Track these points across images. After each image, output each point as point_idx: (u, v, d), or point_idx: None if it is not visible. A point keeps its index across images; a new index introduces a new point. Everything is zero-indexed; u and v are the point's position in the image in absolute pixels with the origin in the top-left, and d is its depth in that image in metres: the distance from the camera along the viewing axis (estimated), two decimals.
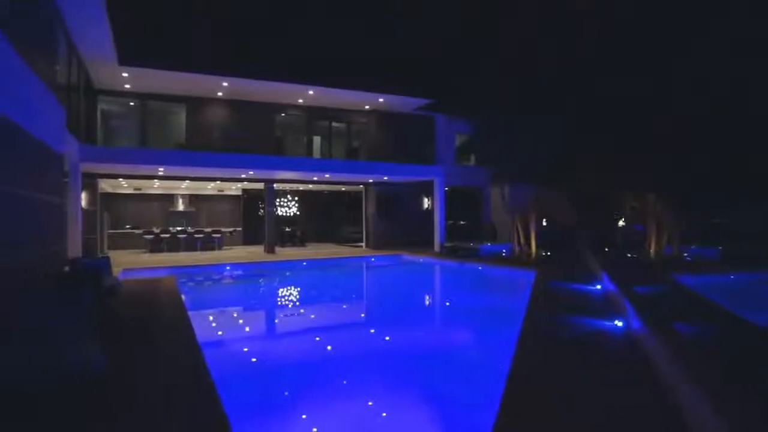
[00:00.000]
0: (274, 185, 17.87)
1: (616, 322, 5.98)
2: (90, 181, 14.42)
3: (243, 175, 16.60)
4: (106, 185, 17.71)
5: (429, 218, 19.31)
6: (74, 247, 12.10)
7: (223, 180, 17.70)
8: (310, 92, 16.36)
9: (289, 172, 16.59)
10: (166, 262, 14.05)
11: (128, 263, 13.51)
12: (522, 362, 4.42)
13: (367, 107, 18.76)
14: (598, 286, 8.92)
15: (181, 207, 21.10)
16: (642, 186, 13.89)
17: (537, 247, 15.02)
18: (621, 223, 17.01)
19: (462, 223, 21.77)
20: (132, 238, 18.94)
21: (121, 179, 16.59)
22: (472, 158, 23.00)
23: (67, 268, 8.23)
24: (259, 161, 15.36)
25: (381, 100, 17.75)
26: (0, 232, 5.31)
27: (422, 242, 19.19)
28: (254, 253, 17.32)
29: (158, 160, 13.92)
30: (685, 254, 14.12)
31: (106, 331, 5.15)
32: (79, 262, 9.06)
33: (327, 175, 17.39)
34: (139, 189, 19.92)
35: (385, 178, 18.13)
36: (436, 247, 18.09)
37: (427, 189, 19.71)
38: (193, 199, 21.42)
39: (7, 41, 5.36)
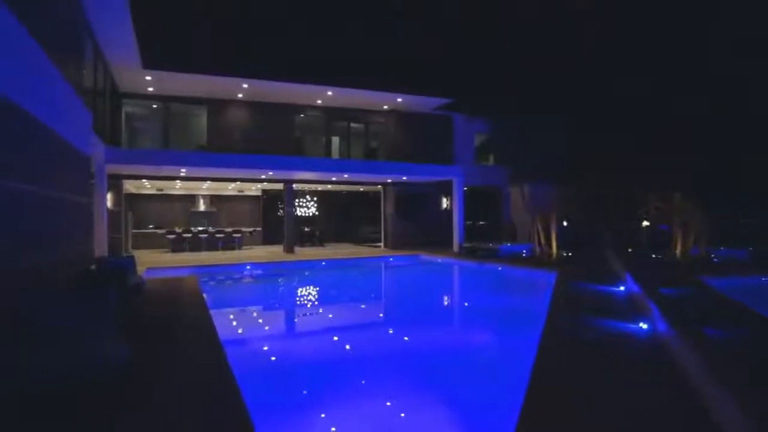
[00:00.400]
0: (294, 186, 18.02)
1: (641, 324, 5.84)
2: (115, 182, 14.78)
3: (263, 176, 16.79)
4: (130, 186, 18.12)
5: (448, 218, 19.23)
6: (100, 247, 12.40)
7: (243, 180, 17.93)
8: (329, 93, 16.46)
9: (308, 173, 16.72)
10: (188, 261, 14.31)
11: (151, 262, 13.80)
12: (544, 364, 4.36)
13: (385, 107, 18.78)
14: (622, 288, 8.73)
15: (202, 207, 21.46)
16: (667, 185, 13.55)
17: (558, 247, 14.79)
18: (645, 223, 16.63)
19: (481, 223, 21.60)
20: (155, 238, 19.34)
21: (144, 180, 16.95)
22: (491, 158, 22.81)
23: (93, 267, 8.45)
24: (278, 162, 15.53)
25: (399, 100, 17.74)
26: (30, 232, 5.49)
27: (441, 242, 19.12)
28: (274, 252, 17.49)
29: (180, 161, 14.18)
30: (713, 255, 13.72)
31: (131, 328, 5.27)
32: (105, 261, 9.29)
33: (346, 176, 17.46)
34: (162, 190, 20.32)
35: (404, 178, 18.11)
36: (455, 248, 17.98)
37: (446, 189, 19.62)
38: (214, 199, 21.77)
39: (39, 47, 5.53)
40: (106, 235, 12.69)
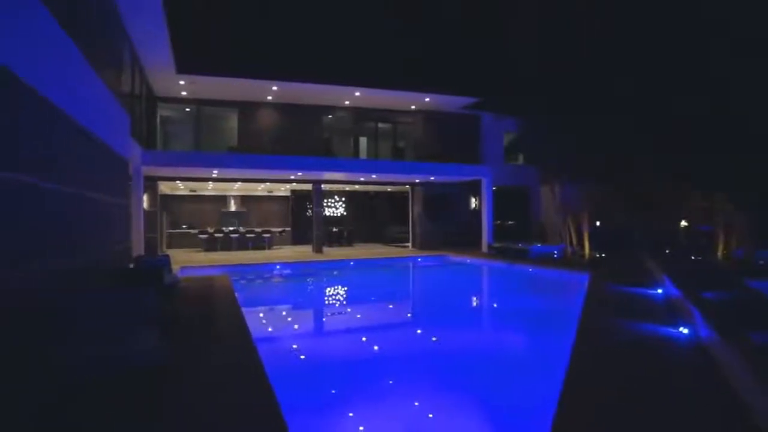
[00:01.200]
0: (322, 186, 18.19)
1: (681, 329, 5.61)
2: (151, 184, 15.25)
3: (292, 177, 16.99)
4: (164, 187, 18.65)
5: (476, 218, 19.00)
6: (137, 246, 12.83)
7: (272, 181, 18.20)
8: (357, 93, 16.53)
9: (337, 173, 16.83)
10: (219, 260, 14.65)
11: (185, 261, 14.19)
12: (578, 368, 4.24)
13: (413, 107, 18.72)
14: (659, 291, 8.42)
15: (233, 208, 21.89)
16: (708, 183, 12.99)
17: (590, 248, 14.41)
18: (684, 223, 16.00)
19: (510, 223, 21.28)
20: (188, 238, 19.86)
21: (178, 182, 17.41)
22: (521, 157, 22.43)
23: (132, 266, 8.75)
24: (307, 162, 15.69)
25: (427, 99, 17.66)
26: (80, 233, 5.75)
27: (469, 243, 18.91)
28: (303, 252, 17.70)
29: (212, 162, 14.51)
30: (758, 258, 13.07)
31: (168, 325, 5.42)
32: (142, 259, 9.62)
33: (373, 176, 17.45)
34: (195, 191, 20.85)
35: (432, 178, 18.01)
36: (484, 248, 17.76)
37: (474, 189, 19.39)
38: (244, 200, 22.18)
39: (81, 55, 5.76)
40: (143, 234, 13.12)
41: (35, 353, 3.56)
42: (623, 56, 16.02)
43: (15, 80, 3.78)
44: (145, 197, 15.26)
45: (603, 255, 14.67)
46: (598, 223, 18.60)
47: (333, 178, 17.83)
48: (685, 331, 5.53)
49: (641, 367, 4.41)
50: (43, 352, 3.43)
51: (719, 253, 12.61)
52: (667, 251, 14.81)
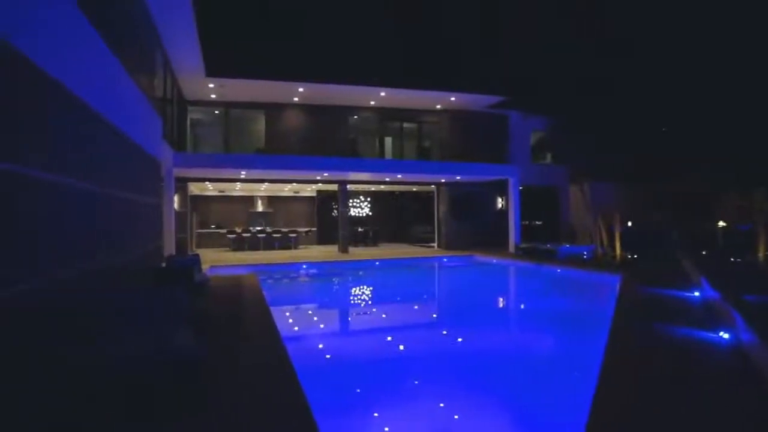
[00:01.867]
0: (348, 186, 18.29)
1: (722, 333, 5.39)
2: (181, 185, 15.64)
3: (318, 177, 17.11)
4: (194, 188, 19.11)
5: (503, 218, 18.74)
6: (168, 245, 13.17)
7: (299, 182, 18.36)
8: (382, 94, 16.55)
9: (362, 173, 16.83)
10: (247, 260, 14.90)
11: (214, 261, 14.49)
12: (611, 372, 4.12)
13: (438, 106, 18.62)
14: (696, 293, 8.11)
15: (260, 208, 22.25)
16: (748, 181, 12.46)
17: (622, 249, 14.01)
18: (721, 223, 15.38)
19: (537, 223, 20.93)
20: (216, 238, 20.29)
21: (207, 183, 17.76)
22: (548, 156, 22.03)
23: (163, 265, 8.99)
24: (333, 163, 15.78)
25: (453, 99, 17.52)
26: (120, 232, 5.98)
27: (496, 243, 18.66)
28: (328, 252, 17.84)
29: (241, 164, 14.76)
30: None
31: (200, 323, 5.54)
32: (173, 259, 9.86)
33: (399, 176, 17.44)
34: (223, 191, 21.29)
35: (458, 177, 17.86)
36: (511, 248, 17.51)
37: (501, 188, 19.13)
38: (271, 200, 22.51)
39: (119, 63, 5.96)
40: (174, 234, 13.46)
41: (80, 350, 3.71)
42: (655, 54, 15.56)
43: (67, 95, 4.03)
44: (175, 198, 15.67)
45: (635, 256, 14.25)
46: (630, 224, 18.09)
47: (358, 178, 17.90)
48: (726, 335, 5.30)
49: (678, 371, 4.25)
50: (86, 349, 3.57)
51: (760, 254, 12.06)
52: (704, 252, 14.26)
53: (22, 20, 3.24)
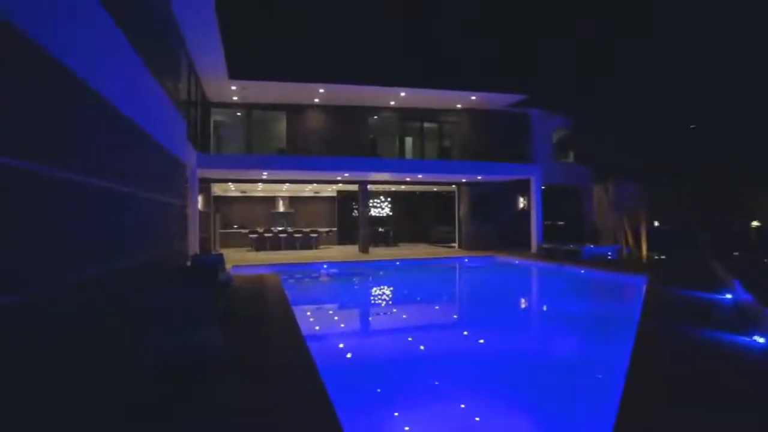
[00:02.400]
0: (368, 186, 18.34)
1: (756, 337, 5.20)
2: (205, 186, 15.93)
3: (339, 177, 17.21)
4: (217, 189, 19.45)
5: (525, 218, 18.51)
6: (193, 245, 13.42)
7: (320, 182, 18.48)
8: (402, 94, 16.54)
9: (383, 173, 16.87)
10: (269, 260, 15.09)
11: (236, 260, 14.72)
12: (637, 376, 4.02)
13: (458, 106, 18.50)
14: (728, 295, 7.86)
15: (281, 209, 22.51)
16: None
17: (648, 249, 13.67)
18: (755, 223, 14.85)
19: (560, 223, 20.62)
20: (239, 237, 20.59)
21: (230, 183, 18.05)
22: (571, 155, 21.65)
23: (188, 264, 9.17)
24: (354, 163, 15.82)
25: (473, 98, 17.39)
26: (153, 232, 6.17)
27: (518, 243, 18.44)
28: (349, 252, 17.92)
29: (262, 164, 14.95)
30: None
31: (225, 321, 5.64)
32: (198, 258, 10.04)
33: (420, 176, 17.39)
34: (245, 192, 21.61)
35: (479, 177, 17.72)
36: (534, 249, 17.28)
37: (523, 187, 18.89)
38: (292, 200, 22.75)
39: (144, 64, 6.11)
40: (198, 234, 13.70)
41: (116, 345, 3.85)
42: (683, 48, 15.13)
43: (100, 101, 4.20)
44: (199, 198, 15.97)
45: (662, 257, 13.89)
46: (656, 223, 17.65)
47: (379, 178, 17.95)
48: (761, 339, 5.12)
49: (708, 375, 4.12)
50: (121, 344, 3.69)
51: None
52: (736, 252, 13.80)
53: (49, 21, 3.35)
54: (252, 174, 15.97)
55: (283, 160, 15.68)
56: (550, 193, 19.98)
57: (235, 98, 16.22)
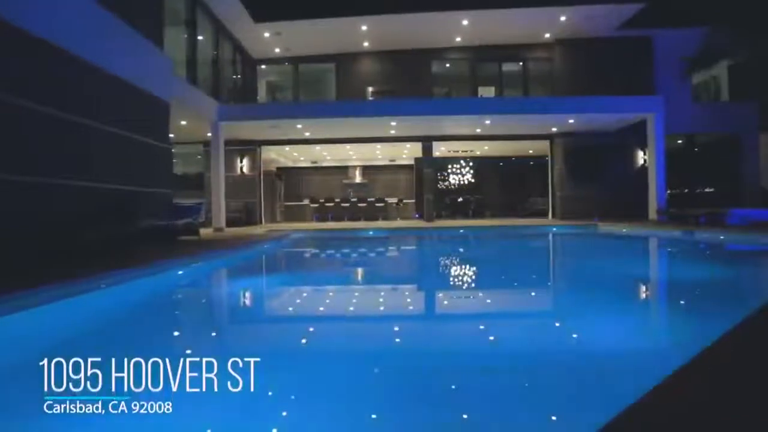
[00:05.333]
0: (443, 147, 15.35)
1: None
2: (249, 149, 14.72)
3: (392, 131, 14.29)
4: (280, 158, 18.28)
5: (641, 179, 13.64)
6: (218, 215, 12.13)
7: (372, 141, 15.44)
8: (464, 22, 13.25)
9: (452, 120, 13.40)
10: (312, 227, 13.38)
11: (273, 227, 13.27)
12: None
13: (546, 35, 14.45)
14: None
15: (358, 179, 20.59)
16: None
17: None
18: None
19: (709, 190, 15.23)
20: (308, 211, 19.18)
21: (286, 147, 16.31)
22: (724, 92, 15.79)
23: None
24: (411, 106, 12.90)
25: (563, 18, 13.25)
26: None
27: (633, 213, 13.63)
28: (412, 223, 15.37)
29: (295, 113, 12.93)
30: None
31: None
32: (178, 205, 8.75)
33: (493, 122, 13.54)
34: (316, 162, 20.26)
35: (570, 121, 13.47)
36: (652, 215, 12.67)
37: (639, 139, 13.96)
38: (366, 171, 20.69)
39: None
40: (221, 202, 12.30)
41: None
42: None
43: None
44: (244, 161, 14.89)
45: None
46: None
47: (447, 131, 14.67)
48: None
49: None
50: None
51: None
52: None
53: None
54: (291, 130, 13.85)
55: (319, 107, 13.54)
56: (689, 147, 14.76)
57: (277, 50, 14.75)
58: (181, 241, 7.83)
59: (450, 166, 19.92)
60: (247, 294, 5.46)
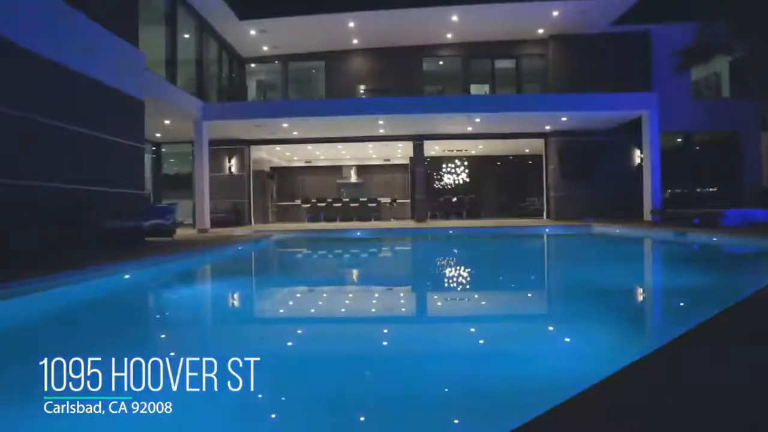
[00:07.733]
0: (432, 148, 15.07)
1: None
2: (238, 149, 14.53)
3: (381, 129, 14.00)
4: (272, 157, 18.08)
5: (636, 179, 13.26)
6: (201, 216, 11.92)
7: (359, 140, 15.14)
8: (454, 18, 12.96)
9: (440, 117, 12.91)
10: (300, 228, 13.16)
11: (261, 228, 13.07)
12: None
13: (540, 31, 14.12)
14: None
15: (349, 179, 20.38)
16: None
17: None
18: None
19: (711, 190, 14.80)
20: (299, 211, 18.96)
21: (276, 147, 16.11)
22: (724, 89, 15.36)
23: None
24: (399, 104, 12.63)
25: (555, 13, 12.91)
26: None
27: (627, 213, 13.28)
28: (403, 223, 15.10)
29: (279, 111, 12.69)
30: None
31: None
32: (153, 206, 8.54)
33: (482, 119, 13.16)
34: (310, 162, 20.04)
35: (563, 119, 13.16)
36: (647, 215, 12.31)
37: (634, 138, 13.56)
38: (360, 170, 20.45)
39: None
40: (206, 203, 12.07)
41: None
42: None
43: None
44: (232, 161, 14.71)
45: None
46: None
47: (438, 129, 14.34)
48: None
49: None
50: None
51: None
52: None
53: None
54: (278, 129, 13.60)
55: (304, 104, 13.33)
56: (689, 145, 14.36)
57: (265, 48, 14.53)
58: (149, 243, 7.60)
59: (444, 166, 19.62)
60: (174, 305, 4.73)
